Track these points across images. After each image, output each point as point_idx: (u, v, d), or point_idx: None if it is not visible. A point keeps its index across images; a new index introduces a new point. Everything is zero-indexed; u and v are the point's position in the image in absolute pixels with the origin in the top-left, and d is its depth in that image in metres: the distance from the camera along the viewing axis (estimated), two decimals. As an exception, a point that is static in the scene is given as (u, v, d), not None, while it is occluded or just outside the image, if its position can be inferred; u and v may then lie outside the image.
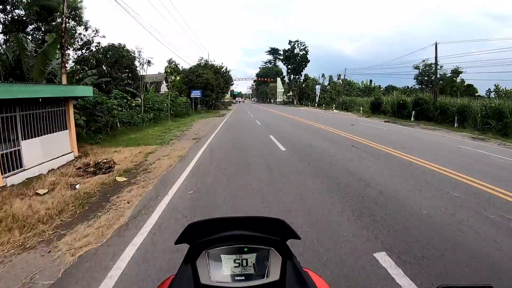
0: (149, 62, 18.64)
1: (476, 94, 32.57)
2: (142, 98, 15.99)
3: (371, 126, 17.08)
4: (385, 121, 22.26)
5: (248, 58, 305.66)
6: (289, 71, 58.49)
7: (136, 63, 21.89)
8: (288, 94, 67.78)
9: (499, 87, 36.46)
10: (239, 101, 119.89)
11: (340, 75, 50.47)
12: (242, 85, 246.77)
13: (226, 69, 43.21)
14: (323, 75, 51.39)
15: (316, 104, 46.83)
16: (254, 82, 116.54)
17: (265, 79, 75.64)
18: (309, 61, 55.34)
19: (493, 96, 29.61)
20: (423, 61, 36.64)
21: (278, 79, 72.68)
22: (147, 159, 7.43)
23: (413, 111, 23.82)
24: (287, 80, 66.36)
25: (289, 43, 56.40)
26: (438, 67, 42.30)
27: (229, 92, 70.03)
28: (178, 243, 0.76)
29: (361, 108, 33.11)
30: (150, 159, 7.35)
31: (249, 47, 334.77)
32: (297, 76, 58.21)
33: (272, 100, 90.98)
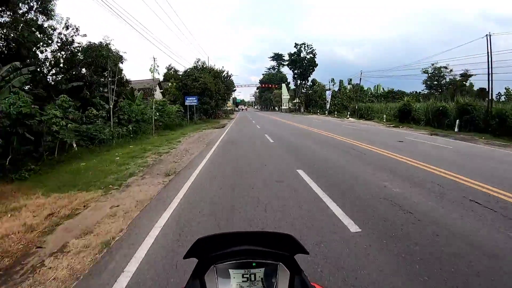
0: (121, 57, 14.47)
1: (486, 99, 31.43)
2: (110, 106, 11.69)
3: (425, 142, 12.57)
4: (431, 134, 17.80)
5: (250, 65, 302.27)
6: (295, 76, 54.44)
7: (121, 65, 17.67)
8: (294, 101, 63.71)
9: (510, 90, 33.48)
10: (242, 109, 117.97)
11: (351, 80, 46.22)
12: (245, 92, 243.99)
13: (227, 73, 39.28)
14: (332, 80, 47.22)
15: (326, 112, 42.49)
16: (257, 89, 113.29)
17: (269, 86, 71.78)
18: (317, 64, 51.34)
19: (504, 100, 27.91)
20: (432, 64, 32.78)
21: (283, 85, 68.75)
22: (27, 257, 3.03)
23: (457, 120, 19.35)
24: (293, 86, 62.34)
25: (295, 46, 52.65)
26: (447, 71, 38.26)
27: (231, 99, 66.17)
28: (187, 257, 0.75)
29: (384, 116, 28.64)
30: (29, 261, 2.96)
31: (251, 54, 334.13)
32: (303, 82, 54.08)
33: (276, 108, 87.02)
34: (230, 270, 0.76)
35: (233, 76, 68.01)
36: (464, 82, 37.22)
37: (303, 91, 54.69)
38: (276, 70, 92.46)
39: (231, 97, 62.87)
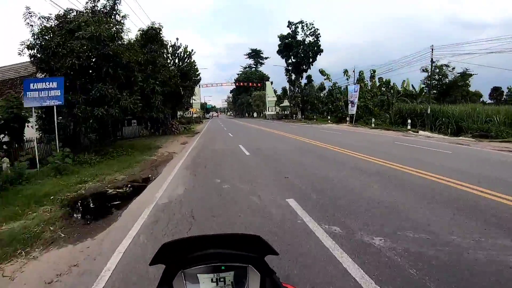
0: None
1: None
2: None
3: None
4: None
5: (222, 72, 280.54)
6: (289, 68, 38.30)
7: None
8: (283, 103, 47.49)
9: None
10: (213, 116, 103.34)
11: (374, 72, 31.33)
12: (216, 98, 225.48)
13: (185, 49, 21.83)
14: (345, 73, 31.84)
15: (350, 120, 26.72)
16: (231, 92, 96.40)
17: (248, 84, 55.19)
18: (321, 50, 35.82)
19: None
20: (434, 62, 21.77)
21: (268, 84, 52.81)
22: None
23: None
24: (281, 86, 46.16)
25: (288, 26, 36.72)
26: (450, 69, 33.25)
27: (197, 102, 48.23)
28: (153, 264, 0.74)
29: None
30: None
31: (223, 61, 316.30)
32: (299, 76, 38.21)
33: (255, 114, 70.57)
34: (198, 275, 0.74)
35: (201, 70, 50.62)
36: (467, 82, 35.29)
37: (296, 89, 38.67)
38: (254, 69, 76.46)
39: (195, 99, 45.29)
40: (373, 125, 23.34)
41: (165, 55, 18.26)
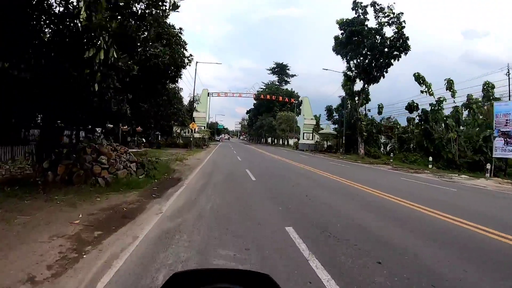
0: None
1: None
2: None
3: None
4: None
5: (236, 97, 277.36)
6: (351, 70, 24.29)
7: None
8: (324, 130, 33.35)
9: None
10: (223, 139, 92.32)
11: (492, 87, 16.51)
12: (228, 121, 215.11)
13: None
14: (450, 86, 17.29)
15: (497, 170, 11.48)
16: (248, 113, 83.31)
17: (274, 99, 42.29)
18: (408, 48, 21.79)
19: None
20: None
21: (306, 100, 39.22)
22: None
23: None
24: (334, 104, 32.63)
25: (354, 8, 23.23)
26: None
27: (204, 121, 35.13)
28: None
29: None
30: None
31: (239, 85, 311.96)
32: (367, 86, 24.09)
33: (280, 141, 56.49)
34: None
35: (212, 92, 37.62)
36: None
37: (360, 109, 24.69)
38: (277, 86, 63.60)
39: (198, 109, 31.98)
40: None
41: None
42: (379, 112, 28.38)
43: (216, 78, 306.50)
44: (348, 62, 24.40)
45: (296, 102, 46.11)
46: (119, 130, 12.68)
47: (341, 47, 23.91)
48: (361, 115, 25.53)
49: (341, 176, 10.27)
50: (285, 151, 32.99)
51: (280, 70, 71.15)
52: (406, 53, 22.20)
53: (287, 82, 71.89)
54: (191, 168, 10.99)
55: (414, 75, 20.52)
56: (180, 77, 10.80)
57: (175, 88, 21.09)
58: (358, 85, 25.62)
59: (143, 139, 22.07)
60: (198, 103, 28.28)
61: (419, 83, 20.18)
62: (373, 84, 24.51)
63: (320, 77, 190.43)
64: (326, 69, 29.57)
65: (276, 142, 60.38)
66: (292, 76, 72.66)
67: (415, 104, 21.72)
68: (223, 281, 0.77)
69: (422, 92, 20.18)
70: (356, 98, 25.62)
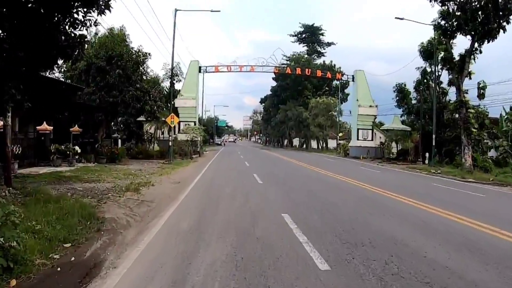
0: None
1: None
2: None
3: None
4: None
5: (244, 80, 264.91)
6: (452, 21, 20.10)
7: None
8: (392, 125, 29.70)
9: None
10: (227, 141, 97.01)
11: None
12: (235, 115, 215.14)
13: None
14: None
15: None
16: (262, 102, 79.38)
17: (307, 73, 39.23)
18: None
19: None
20: None
21: (360, 75, 34.99)
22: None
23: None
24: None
25: None
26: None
27: (195, 112, 32.04)
28: None
29: None
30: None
31: (245, 63, 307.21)
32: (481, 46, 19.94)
33: (314, 143, 56.25)
34: None
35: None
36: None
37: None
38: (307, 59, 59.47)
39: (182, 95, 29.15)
40: None
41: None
42: (480, 96, 24.16)
43: (217, 56, 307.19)
44: (443, 3, 19.81)
45: (342, 80, 42.11)
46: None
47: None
48: (466, 98, 21.10)
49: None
50: (331, 160, 29.77)
51: (310, 36, 68.20)
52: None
53: (320, 54, 68.64)
54: (145, 217, 6.82)
55: None
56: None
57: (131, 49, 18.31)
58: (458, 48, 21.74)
59: (88, 147, 18.44)
60: (179, 80, 24.69)
61: None
62: (488, 41, 20.36)
63: (368, 50, 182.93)
64: (401, 19, 24.51)
65: (307, 144, 57.15)
66: (329, 44, 68.43)
67: None
68: None
69: None
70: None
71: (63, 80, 19.28)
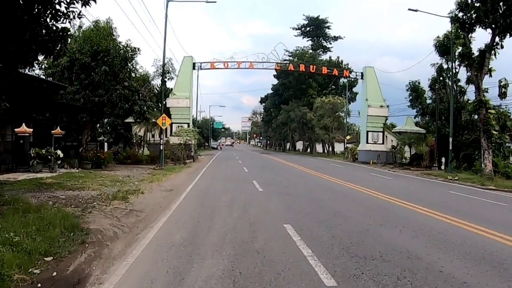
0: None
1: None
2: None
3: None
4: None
5: (242, 78, 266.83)
6: (471, 13, 20.82)
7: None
8: (405, 127, 30.24)
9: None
10: (224, 144, 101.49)
11: None
12: (232, 117, 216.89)
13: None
14: None
15: None
16: (262, 102, 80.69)
17: (311, 70, 40.79)
18: None
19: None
20: None
21: (370, 72, 35.33)
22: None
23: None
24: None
25: None
26: None
27: (188, 112, 32.39)
28: None
29: None
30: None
31: (244, 59, 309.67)
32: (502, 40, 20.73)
33: (319, 146, 59.29)
34: None
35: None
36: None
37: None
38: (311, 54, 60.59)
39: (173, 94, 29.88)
40: None
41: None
42: (502, 95, 24.73)
43: (213, 52, 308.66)
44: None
45: (350, 78, 43.25)
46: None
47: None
48: (486, 98, 21.71)
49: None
50: (338, 165, 30.44)
51: (315, 29, 69.36)
52: None
53: (326, 49, 69.64)
54: (134, 228, 6.93)
55: None
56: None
57: (118, 44, 18.87)
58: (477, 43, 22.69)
59: (72, 151, 18.77)
60: (171, 77, 25.20)
61: None
62: (510, 35, 21.07)
63: (378, 45, 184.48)
64: (415, 10, 25.27)
65: (312, 148, 58.80)
66: (336, 39, 69.38)
67: None
68: None
69: None
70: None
71: (44, 78, 19.61)
